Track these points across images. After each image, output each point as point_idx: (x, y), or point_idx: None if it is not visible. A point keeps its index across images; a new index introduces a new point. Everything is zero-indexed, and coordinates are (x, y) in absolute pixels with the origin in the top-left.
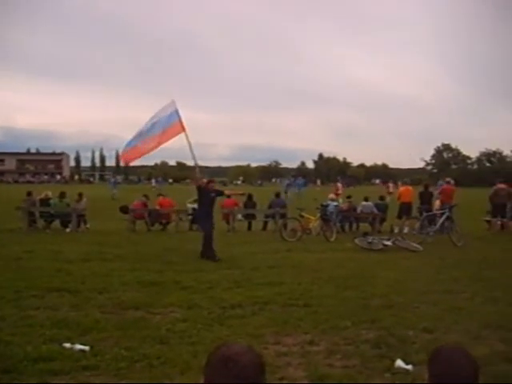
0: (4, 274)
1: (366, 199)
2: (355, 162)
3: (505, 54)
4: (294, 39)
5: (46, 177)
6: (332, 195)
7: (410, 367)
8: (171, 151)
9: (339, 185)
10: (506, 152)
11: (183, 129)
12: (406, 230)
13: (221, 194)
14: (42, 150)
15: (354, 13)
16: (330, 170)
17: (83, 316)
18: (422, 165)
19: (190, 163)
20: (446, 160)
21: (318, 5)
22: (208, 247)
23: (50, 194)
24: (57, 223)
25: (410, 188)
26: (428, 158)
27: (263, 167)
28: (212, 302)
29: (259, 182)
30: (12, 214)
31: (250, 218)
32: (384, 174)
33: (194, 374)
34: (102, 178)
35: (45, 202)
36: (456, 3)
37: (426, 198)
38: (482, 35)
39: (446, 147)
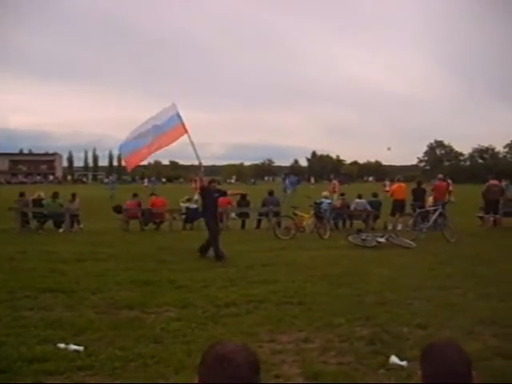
0: None
1: (360, 196)
2: (348, 159)
3: (502, 54)
4: (293, 39)
5: (38, 177)
6: (326, 193)
7: (404, 363)
8: (164, 150)
9: (336, 182)
10: (498, 148)
11: (186, 131)
12: (399, 227)
13: (224, 194)
14: (35, 151)
15: (354, 13)
16: (323, 167)
17: (77, 316)
18: (415, 162)
19: (183, 162)
20: (439, 157)
21: (317, 5)
22: (216, 248)
23: (42, 194)
24: (50, 224)
25: (403, 185)
26: (421, 155)
27: (256, 165)
28: (206, 301)
29: (252, 180)
30: (5, 214)
31: (243, 216)
32: (377, 171)
33: (188, 373)
34: (95, 178)
35: (38, 202)
36: (453, 3)
37: (419, 195)
38: (479, 35)
39: (439, 144)
